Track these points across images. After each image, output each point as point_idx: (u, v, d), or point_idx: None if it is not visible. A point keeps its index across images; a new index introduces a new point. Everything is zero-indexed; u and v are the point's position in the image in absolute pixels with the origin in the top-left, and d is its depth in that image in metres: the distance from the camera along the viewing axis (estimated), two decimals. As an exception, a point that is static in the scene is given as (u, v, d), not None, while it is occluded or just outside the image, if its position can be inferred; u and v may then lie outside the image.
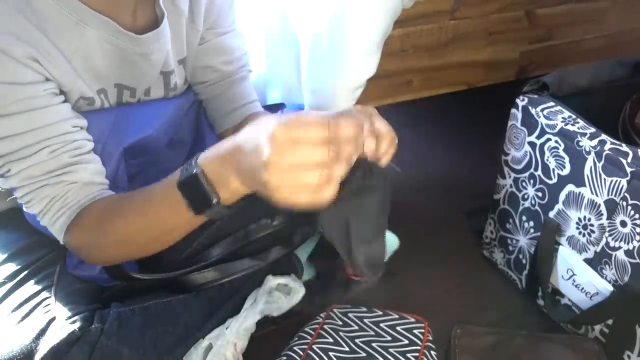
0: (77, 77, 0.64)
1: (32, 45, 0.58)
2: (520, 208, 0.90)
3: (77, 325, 0.64)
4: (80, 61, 0.64)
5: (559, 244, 0.84)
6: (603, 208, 0.75)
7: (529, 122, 0.84)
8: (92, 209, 0.63)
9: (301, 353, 0.74)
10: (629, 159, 0.71)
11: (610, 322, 0.80)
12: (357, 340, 0.77)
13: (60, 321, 0.64)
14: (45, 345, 0.61)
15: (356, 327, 0.80)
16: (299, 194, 0.47)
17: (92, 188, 0.64)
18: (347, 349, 0.76)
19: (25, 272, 0.71)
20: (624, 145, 0.73)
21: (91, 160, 0.64)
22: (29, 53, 0.58)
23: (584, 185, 0.77)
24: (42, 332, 0.63)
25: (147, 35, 0.68)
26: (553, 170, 0.81)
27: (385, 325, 0.81)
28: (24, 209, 0.64)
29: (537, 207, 0.86)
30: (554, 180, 0.82)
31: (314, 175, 0.47)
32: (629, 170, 0.71)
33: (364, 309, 0.84)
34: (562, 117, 0.80)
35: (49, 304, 0.66)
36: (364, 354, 0.75)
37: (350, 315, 0.82)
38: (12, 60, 0.57)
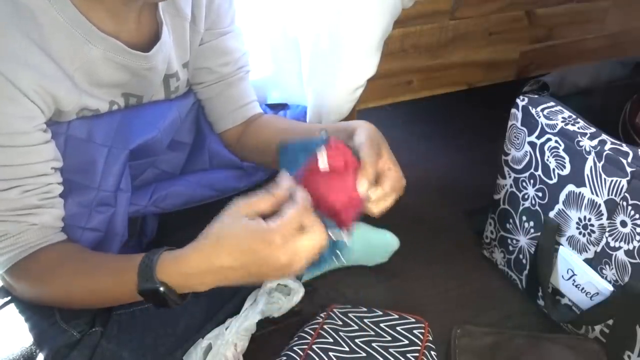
0: (80, 92, 0.64)
1: (37, 70, 0.57)
2: (521, 208, 0.90)
3: (78, 328, 0.64)
4: (84, 77, 0.64)
5: (559, 244, 0.84)
6: (603, 208, 0.75)
7: (529, 122, 0.84)
8: (42, 256, 0.62)
9: (301, 353, 0.74)
10: (629, 159, 0.71)
11: (610, 322, 0.80)
12: (357, 340, 0.77)
13: (61, 324, 0.64)
14: (45, 349, 0.61)
15: (356, 327, 0.80)
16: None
17: (49, 231, 0.63)
18: (347, 349, 0.76)
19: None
20: (624, 145, 0.73)
21: (56, 205, 0.64)
22: (34, 81, 0.57)
23: (584, 185, 0.77)
24: (43, 335, 0.63)
25: (153, 50, 0.67)
26: (553, 170, 0.81)
27: (386, 326, 0.81)
28: None
29: (537, 207, 0.86)
30: (554, 180, 0.82)
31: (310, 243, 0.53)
32: (629, 170, 0.71)
33: (364, 309, 0.84)
34: (563, 117, 0.80)
35: (49, 307, 0.66)
36: (364, 354, 0.75)
37: (350, 315, 0.82)
38: (16, 92, 0.56)
